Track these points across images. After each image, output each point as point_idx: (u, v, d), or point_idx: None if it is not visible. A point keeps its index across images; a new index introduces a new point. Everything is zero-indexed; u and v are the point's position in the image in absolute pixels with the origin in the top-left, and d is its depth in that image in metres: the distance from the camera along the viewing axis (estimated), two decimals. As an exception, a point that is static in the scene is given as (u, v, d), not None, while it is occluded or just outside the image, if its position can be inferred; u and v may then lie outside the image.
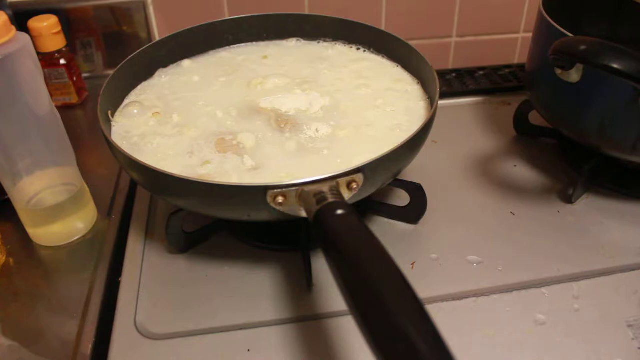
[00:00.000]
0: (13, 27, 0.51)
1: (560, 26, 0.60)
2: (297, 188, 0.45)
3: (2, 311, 0.54)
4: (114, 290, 0.56)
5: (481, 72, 0.89)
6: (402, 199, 0.62)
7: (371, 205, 0.62)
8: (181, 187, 0.48)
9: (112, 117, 0.60)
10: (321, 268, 0.56)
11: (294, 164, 0.53)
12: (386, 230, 0.61)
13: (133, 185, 0.69)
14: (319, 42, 0.72)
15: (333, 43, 0.72)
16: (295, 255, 0.58)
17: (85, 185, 0.62)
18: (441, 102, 0.77)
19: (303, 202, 0.45)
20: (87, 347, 0.50)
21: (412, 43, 0.65)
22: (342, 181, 0.46)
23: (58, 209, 0.59)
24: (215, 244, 0.60)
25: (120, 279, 0.57)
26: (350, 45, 0.71)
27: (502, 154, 0.73)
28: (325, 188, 0.45)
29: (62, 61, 0.80)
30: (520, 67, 0.90)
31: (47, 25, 0.77)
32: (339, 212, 0.42)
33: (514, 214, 0.63)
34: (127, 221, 0.64)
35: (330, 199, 0.43)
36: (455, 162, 0.71)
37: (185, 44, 0.70)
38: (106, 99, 0.59)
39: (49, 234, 0.60)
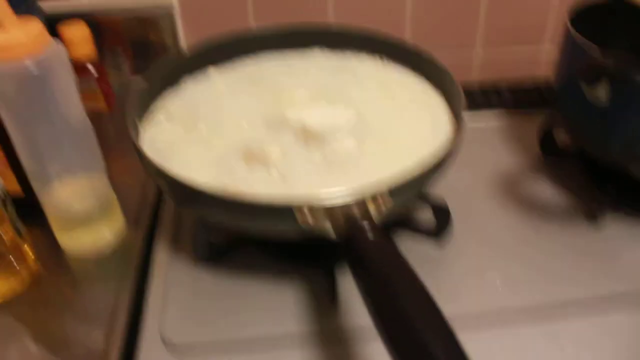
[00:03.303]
0: (49, 37, 0.52)
1: (588, 40, 0.58)
2: (325, 205, 0.45)
3: (31, 317, 0.55)
4: (140, 299, 0.57)
5: (505, 86, 0.88)
6: (426, 217, 0.62)
7: (395, 224, 0.62)
8: (209, 199, 0.48)
9: (140, 124, 0.61)
10: (345, 283, 0.56)
11: (320, 178, 0.53)
12: (410, 249, 0.61)
13: (160, 195, 0.69)
14: (343, 53, 0.73)
15: (358, 54, 0.72)
16: (321, 272, 0.57)
17: (114, 194, 0.62)
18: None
19: (331, 219, 0.45)
20: (114, 356, 0.51)
21: (435, 52, 0.66)
22: (370, 199, 0.46)
23: (86, 215, 0.60)
24: (241, 256, 0.60)
25: (146, 289, 0.57)
26: (375, 57, 0.71)
27: (527, 172, 0.72)
28: (353, 206, 0.45)
29: (91, 68, 0.82)
30: (546, 83, 0.89)
31: (77, 32, 0.78)
32: (368, 231, 0.42)
33: (538, 235, 0.63)
34: (153, 231, 0.65)
35: (359, 218, 0.44)
36: (479, 179, 0.71)
37: (211, 52, 0.70)
38: (134, 106, 0.60)
39: (78, 242, 0.61)
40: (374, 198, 0.46)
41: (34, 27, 0.50)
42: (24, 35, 0.49)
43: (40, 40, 0.50)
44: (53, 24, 0.78)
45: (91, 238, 0.61)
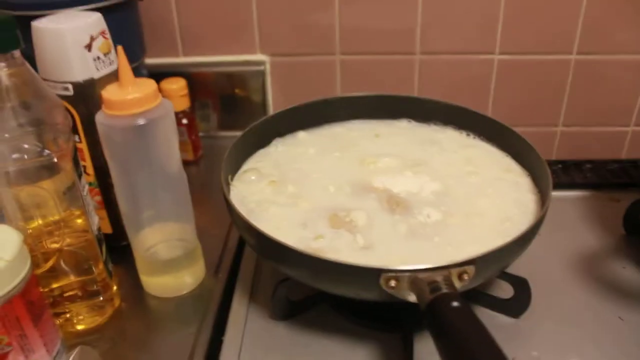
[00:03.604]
0: (160, 95, 0.56)
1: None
2: (411, 274, 0.46)
3: (110, 351, 0.57)
4: (216, 347, 0.58)
5: (588, 165, 0.87)
6: (505, 290, 0.61)
7: (475, 295, 0.61)
8: (297, 259, 0.50)
9: (231, 181, 0.64)
10: (422, 351, 0.56)
11: (404, 247, 0.54)
12: (487, 322, 0.59)
13: (240, 246, 0.72)
14: (429, 125, 0.74)
15: (444, 127, 0.74)
16: (395, 336, 0.58)
17: (199, 243, 0.65)
18: (546, 193, 0.76)
19: (415, 288, 0.46)
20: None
21: (516, 129, 0.66)
22: (455, 271, 0.47)
23: (172, 262, 0.62)
24: (316, 315, 0.61)
25: (223, 338, 0.59)
26: (461, 131, 0.73)
27: (610, 253, 0.71)
28: (438, 277, 0.46)
29: (185, 120, 0.86)
30: (631, 162, 0.88)
31: (176, 88, 0.84)
32: (454, 304, 0.43)
33: (622, 320, 0.61)
34: (233, 280, 0.67)
35: (444, 289, 0.44)
36: (560, 257, 0.69)
37: (301, 116, 0.74)
38: (228, 164, 0.63)
39: (160, 284, 0.64)
40: (459, 271, 0.47)
41: (148, 86, 0.55)
42: (139, 93, 0.53)
43: (152, 97, 0.54)
44: (155, 79, 0.84)
45: (173, 282, 0.63)
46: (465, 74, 0.91)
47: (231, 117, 0.96)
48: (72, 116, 0.59)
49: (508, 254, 0.52)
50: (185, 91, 0.86)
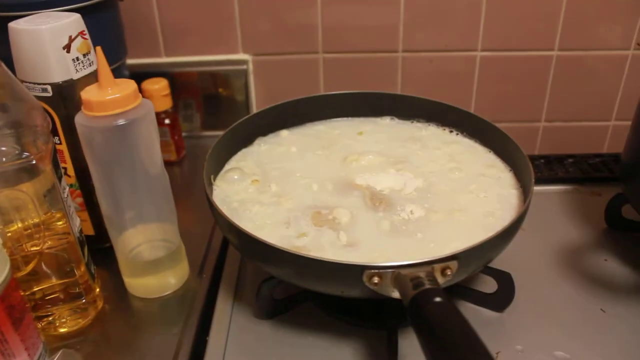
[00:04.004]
0: (140, 95, 0.55)
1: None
2: (393, 270, 0.46)
3: (93, 354, 0.57)
4: (200, 347, 0.58)
5: (570, 160, 0.88)
6: (488, 285, 0.62)
7: (458, 290, 0.62)
8: (280, 257, 0.50)
9: (214, 181, 0.64)
10: (405, 345, 0.56)
11: (387, 244, 0.54)
12: (471, 316, 0.59)
13: (224, 246, 0.71)
14: (412, 122, 0.75)
15: (427, 124, 0.74)
16: (380, 333, 0.58)
17: (182, 243, 0.65)
18: (529, 188, 0.77)
19: (398, 285, 0.46)
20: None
21: (499, 125, 0.67)
22: (437, 267, 0.47)
23: (155, 263, 0.62)
24: (301, 313, 0.61)
25: (207, 338, 0.59)
26: (444, 128, 0.73)
27: (592, 246, 0.71)
28: (421, 273, 0.46)
29: (167, 121, 0.86)
30: (612, 156, 0.89)
31: (158, 88, 0.84)
32: (437, 299, 0.43)
33: (604, 311, 0.61)
34: (217, 280, 0.66)
35: (427, 285, 0.45)
36: (543, 251, 0.70)
37: (284, 115, 0.74)
38: (210, 163, 0.63)
39: (144, 285, 0.63)
40: (442, 266, 0.47)
41: (128, 86, 0.54)
42: (118, 93, 0.53)
43: (132, 97, 0.54)
44: (137, 79, 0.83)
45: (156, 283, 0.63)
46: (447, 71, 0.92)
47: (214, 116, 0.96)
48: (52, 117, 0.59)
49: (491, 249, 0.52)
50: (168, 91, 0.85)
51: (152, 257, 0.61)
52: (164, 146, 0.87)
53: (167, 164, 0.88)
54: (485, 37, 0.89)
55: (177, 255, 0.64)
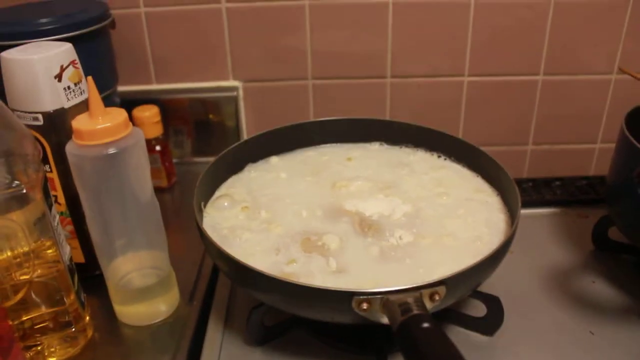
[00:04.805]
0: (130, 124, 0.56)
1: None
2: (382, 296, 0.47)
3: (84, 385, 0.56)
4: (191, 376, 0.58)
5: (558, 183, 0.89)
6: (478, 309, 0.62)
7: (447, 314, 0.62)
8: (269, 284, 0.50)
9: (204, 208, 0.64)
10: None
11: (377, 270, 0.55)
12: (460, 340, 0.60)
13: (215, 273, 0.71)
14: (401, 148, 0.75)
15: (415, 149, 0.75)
16: (370, 358, 0.58)
17: (172, 270, 0.65)
18: (517, 211, 0.77)
19: (387, 310, 0.47)
20: None
21: (487, 149, 0.68)
22: (426, 292, 0.48)
23: (145, 290, 0.62)
24: (291, 340, 0.61)
25: (198, 366, 0.59)
26: (432, 153, 0.74)
27: (580, 268, 0.72)
28: (409, 298, 0.46)
29: (158, 147, 0.86)
30: (598, 179, 0.90)
31: (149, 115, 0.84)
32: (425, 325, 0.43)
33: (592, 334, 0.62)
34: (207, 307, 0.66)
35: (415, 311, 0.45)
36: (531, 274, 0.70)
37: (274, 141, 0.74)
38: (201, 191, 0.63)
39: (134, 313, 0.63)
40: (430, 291, 0.48)
41: (119, 115, 0.55)
42: (109, 122, 0.53)
43: (122, 126, 0.55)
44: (128, 106, 0.84)
45: (147, 310, 0.63)
46: (435, 96, 0.93)
47: (205, 143, 0.96)
48: (43, 146, 0.59)
49: (478, 274, 0.53)
50: (158, 118, 0.86)
51: (143, 284, 0.61)
52: (154, 173, 0.88)
53: (158, 190, 0.88)
54: (472, 63, 0.91)
55: (167, 282, 0.64)
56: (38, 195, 0.53)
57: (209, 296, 0.68)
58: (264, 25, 0.88)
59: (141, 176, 0.58)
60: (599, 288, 0.68)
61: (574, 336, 0.61)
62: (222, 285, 0.69)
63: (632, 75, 0.67)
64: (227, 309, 0.66)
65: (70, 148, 0.54)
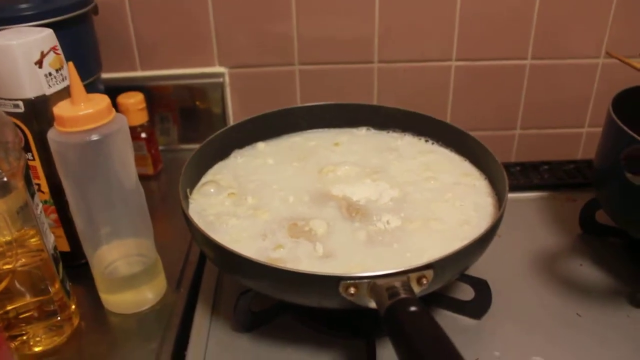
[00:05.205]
0: (113, 110, 0.55)
1: (631, 126, 0.59)
2: (369, 280, 0.46)
3: (71, 374, 0.56)
4: (178, 363, 0.57)
5: (546, 167, 0.89)
6: (466, 292, 0.62)
7: (435, 298, 0.62)
8: (256, 270, 0.50)
9: (190, 194, 0.63)
10: (385, 357, 0.56)
11: (364, 254, 0.54)
12: (449, 324, 0.60)
13: (202, 259, 0.71)
14: (388, 132, 0.75)
15: (402, 134, 0.75)
16: (359, 343, 0.58)
17: (159, 257, 0.64)
18: (505, 195, 0.78)
19: (374, 295, 0.46)
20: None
21: (475, 134, 0.68)
22: (413, 276, 0.47)
23: (131, 278, 0.61)
24: (279, 326, 0.60)
25: (186, 353, 0.58)
26: (419, 137, 0.74)
27: (568, 251, 0.72)
28: (397, 282, 0.46)
29: (143, 135, 0.86)
30: (586, 162, 0.90)
31: (133, 102, 0.83)
32: (412, 308, 0.43)
33: (580, 316, 0.62)
34: (194, 294, 0.66)
35: (403, 295, 0.45)
36: (519, 257, 0.71)
37: (260, 127, 0.74)
38: (186, 177, 0.63)
39: (120, 301, 0.63)
40: (418, 275, 0.48)
41: (101, 102, 0.54)
42: (91, 109, 0.53)
43: (105, 112, 0.54)
44: (114, 93, 0.83)
45: (133, 298, 0.62)
46: (423, 81, 0.93)
47: (191, 130, 0.96)
48: (25, 133, 0.58)
49: (466, 257, 0.52)
50: (143, 105, 0.85)
51: (129, 272, 0.61)
52: (140, 160, 0.87)
53: (144, 178, 0.88)
54: (460, 47, 0.90)
55: (153, 269, 0.63)
56: (20, 184, 0.52)
57: (196, 283, 0.68)
58: (249, 10, 0.87)
59: (125, 163, 0.57)
60: (586, 271, 0.69)
61: (561, 318, 0.62)
62: (209, 272, 0.69)
63: (620, 60, 0.67)
64: (215, 295, 0.66)
65: (52, 135, 0.53)
